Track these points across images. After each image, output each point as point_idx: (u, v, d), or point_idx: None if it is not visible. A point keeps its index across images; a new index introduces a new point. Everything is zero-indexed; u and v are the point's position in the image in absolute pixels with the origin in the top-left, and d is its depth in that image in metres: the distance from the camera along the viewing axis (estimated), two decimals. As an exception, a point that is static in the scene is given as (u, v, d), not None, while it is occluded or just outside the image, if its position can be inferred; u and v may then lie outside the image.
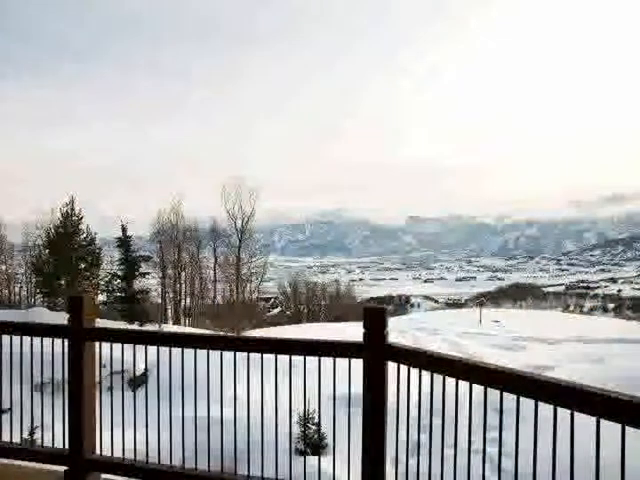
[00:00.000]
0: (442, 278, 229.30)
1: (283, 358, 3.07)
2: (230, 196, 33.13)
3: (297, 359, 3.12)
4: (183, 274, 39.17)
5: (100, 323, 3.67)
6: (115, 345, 3.55)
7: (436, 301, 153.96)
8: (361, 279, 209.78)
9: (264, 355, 3.12)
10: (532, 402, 2.23)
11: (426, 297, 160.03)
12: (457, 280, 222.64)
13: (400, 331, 26.17)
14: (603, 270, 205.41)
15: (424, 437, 3.01)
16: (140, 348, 3.51)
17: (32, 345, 3.38)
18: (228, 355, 3.21)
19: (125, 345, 3.49)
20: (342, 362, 3.01)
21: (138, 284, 24.37)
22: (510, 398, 2.33)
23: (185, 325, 33.98)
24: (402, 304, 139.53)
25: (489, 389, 2.38)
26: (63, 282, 24.21)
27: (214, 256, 40.07)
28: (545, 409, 2.16)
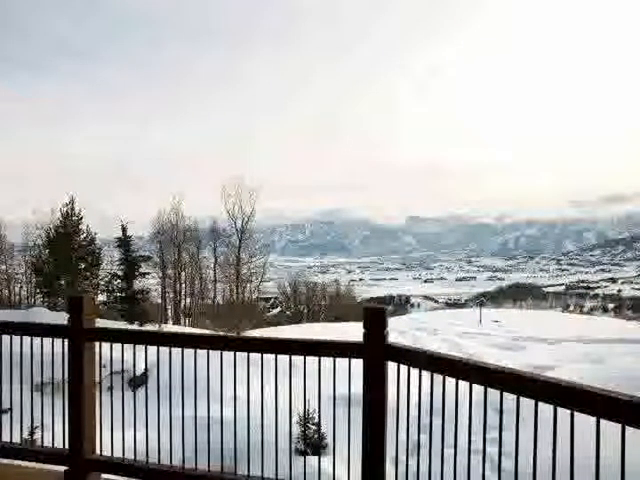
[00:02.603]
0: (442, 278, 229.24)
1: (283, 358, 3.07)
2: (230, 196, 33.14)
3: (297, 359, 3.12)
4: (183, 274, 39.14)
5: (100, 323, 3.67)
6: (115, 345, 3.55)
7: (436, 301, 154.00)
8: (361, 279, 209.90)
9: (264, 355, 3.11)
10: (532, 402, 2.22)
11: (426, 297, 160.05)
12: (457, 280, 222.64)
13: (400, 331, 26.17)
14: (603, 270, 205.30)
15: (424, 437, 3.01)
16: (140, 348, 3.51)
17: (32, 345, 3.38)
18: (228, 355, 3.21)
19: (125, 345, 3.49)
20: (342, 362, 3.01)
21: (138, 284, 24.31)
22: (510, 398, 2.33)
23: (185, 325, 33.96)
24: (402, 304, 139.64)
25: (489, 389, 2.38)
26: (63, 282, 24.19)
27: (214, 256, 40.03)
28: (546, 409, 2.16)
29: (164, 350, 3.42)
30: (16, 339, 3.69)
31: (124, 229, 24.02)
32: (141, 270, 25.02)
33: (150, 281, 31.40)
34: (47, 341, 3.58)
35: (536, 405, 2.23)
